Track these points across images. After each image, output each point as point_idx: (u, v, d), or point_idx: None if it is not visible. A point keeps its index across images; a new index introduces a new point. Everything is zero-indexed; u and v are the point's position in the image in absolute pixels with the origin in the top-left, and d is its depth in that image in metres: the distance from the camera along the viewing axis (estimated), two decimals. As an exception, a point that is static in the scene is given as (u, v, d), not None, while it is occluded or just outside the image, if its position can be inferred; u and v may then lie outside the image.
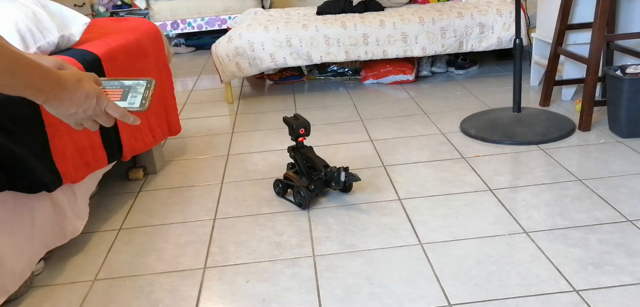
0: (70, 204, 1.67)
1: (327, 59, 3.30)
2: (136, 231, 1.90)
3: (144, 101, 1.03)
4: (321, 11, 3.62)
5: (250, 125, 2.91)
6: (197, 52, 5.20)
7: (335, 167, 1.93)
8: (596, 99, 2.51)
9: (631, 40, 2.57)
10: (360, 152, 2.41)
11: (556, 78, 2.79)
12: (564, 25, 2.71)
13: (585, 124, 2.44)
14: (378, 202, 1.94)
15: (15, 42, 1.67)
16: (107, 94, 1.01)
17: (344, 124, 2.80)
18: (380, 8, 3.55)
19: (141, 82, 1.05)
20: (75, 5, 4.62)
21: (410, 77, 3.46)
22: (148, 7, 5.07)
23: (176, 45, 5.22)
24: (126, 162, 2.26)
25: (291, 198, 2.00)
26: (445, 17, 3.28)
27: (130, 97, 1.03)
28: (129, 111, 1.01)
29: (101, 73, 1.83)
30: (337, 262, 1.61)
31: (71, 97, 0.92)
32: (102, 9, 5.26)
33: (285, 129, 2.76)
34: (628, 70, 2.34)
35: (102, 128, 1.83)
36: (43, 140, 1.52)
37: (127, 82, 1.05)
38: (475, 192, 1.96)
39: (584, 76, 2.47)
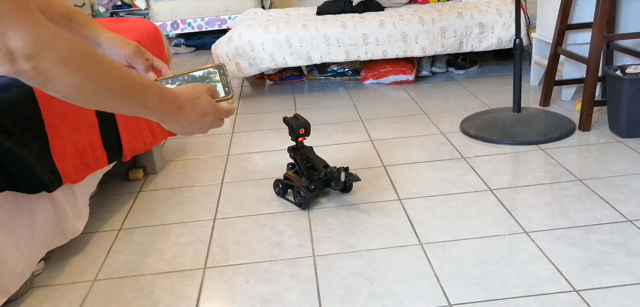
0: (70, 204, 1.67)
1: (327, 59, 3.30)
2: (136, 231, 1.90)
3: (226, 88, 1.05)
4: (321, 11, 3.62)
5: (250, 125, 2.91)
6: (197, 52, 5.20)
7: (335, 167, 1.93)
8: (596, 99, 2.50)
9: (631, 40, 2.57)
10: (360, 152, 2.41)
11: (556, 78, 2.79)
12: (564, 25, 2.71)
13: (585, 124, 2.44)
14: (378, 202, 1.94)
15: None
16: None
17: (344, 124, 2.80)
18: (380, 8, 3.55)
19: (211, 70, 1.06)
20: (75, 5, 4.63)
21: (410, 77, 3.46)
22: (148, 7, 5.07)
23: (176, 45, 5.22)
24: (126, 163, 2.26)
25: (291, 198, 2.00)
26: (445, 17, 3.28)
27: None
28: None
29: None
30: (337, 262, 1.61)
31: (188, 116, 0.91)
32: (102, 9, 5.26)
33: (285, 129, 2.76)
34: (628, 70, 2.34)
35: (101, 129, 1.83)
36: (43, 140, 1.52)
37: (197, 74, 1.06)
38: (475, 192, 1.96)
39: (584, 76, 2.47)
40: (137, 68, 1.03)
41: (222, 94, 1.05)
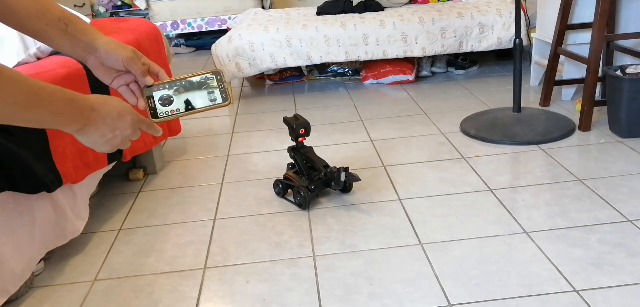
0: (71, 204, 1.67)
1: (327, 59, 3.30)
2: (136, 231, 1.90)
3: (224, 94, 1.03)
4: (321, 11, 3.62)
5: (250, 125, 2.91)
6: (197, 52, 5.20)
7: (335, 167, 1.93)
8: (596, 99, 2.50)
9: (631, 40, 2.57)
10: (360, 152, 2.41)
11: (556, 78, 2.79)
12: (564, 25, 2.71)
13: (585, 124, 2.44)
14: (378, 202, 1.94)
15: (15, 42, 1.67)
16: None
17: (344, 124, 2.80)
18: (380, 8, 3.55)
19: (209, 76, 1.05)
20: (75, 5, 4.63)
21: (410, 77, 3.46)
22: (148, 7, 5.07)
23: (176, 45, 5.22)
24: (126, 163, 2.26)
25: (291, 198, 2.00)
26: (445, 17, 3.28)
27: (208, 94, 1.03)
28: (211, 107, 1.02)
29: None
30: (337, 262, 1.61)
31: (103, 118, 0.89)
32: (102, 10, 5.26)
33: (285, 129, 2.76)
34: (628, 70, 2.34)
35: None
36: (43, 140, 1.52)
37: (194, 79, 1.04)
38: (476, 192, 1.96)
39: (584, 76, 2.47)
40: (134, 73, 1.02)
41: (219, 100, 1.03)
